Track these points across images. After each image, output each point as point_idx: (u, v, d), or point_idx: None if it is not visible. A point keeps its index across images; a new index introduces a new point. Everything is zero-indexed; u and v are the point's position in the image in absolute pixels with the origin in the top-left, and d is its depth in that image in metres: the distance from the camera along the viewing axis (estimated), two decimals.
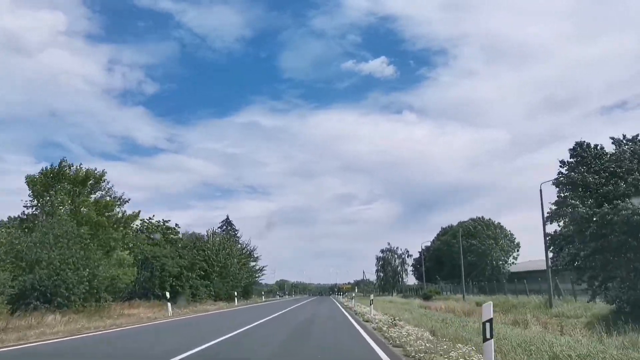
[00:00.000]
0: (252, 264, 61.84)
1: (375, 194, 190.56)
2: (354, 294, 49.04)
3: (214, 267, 43.02)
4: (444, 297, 58.33)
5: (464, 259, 68.02)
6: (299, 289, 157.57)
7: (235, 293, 41.87)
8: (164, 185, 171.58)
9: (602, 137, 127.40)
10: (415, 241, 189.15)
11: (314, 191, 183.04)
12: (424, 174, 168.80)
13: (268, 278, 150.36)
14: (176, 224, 42.60)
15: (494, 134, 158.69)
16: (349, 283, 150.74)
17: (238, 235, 74.40)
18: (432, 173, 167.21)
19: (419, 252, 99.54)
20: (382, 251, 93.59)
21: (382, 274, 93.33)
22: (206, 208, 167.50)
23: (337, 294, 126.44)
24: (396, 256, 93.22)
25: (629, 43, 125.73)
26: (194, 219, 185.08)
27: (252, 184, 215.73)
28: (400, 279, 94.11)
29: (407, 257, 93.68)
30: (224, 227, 78.55)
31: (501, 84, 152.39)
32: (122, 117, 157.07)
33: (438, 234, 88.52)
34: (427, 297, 61.93)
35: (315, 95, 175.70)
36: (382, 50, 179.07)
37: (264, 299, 52.06)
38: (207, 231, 51.95)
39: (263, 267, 65.25)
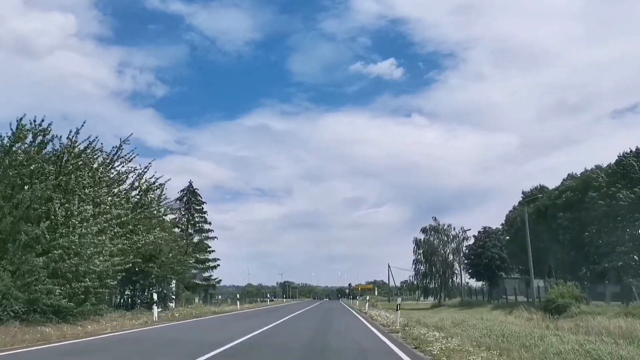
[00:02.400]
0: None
1: (384, 198, 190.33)
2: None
3: None
4: (615, 311, 25.27)
5: (583, 234, 34.10)
6: (305, 291, 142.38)
7: None
8: (174, 187, 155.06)
9: (614, 141, 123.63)
10: None
11: (323, 195, 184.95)
12: (433, 177, 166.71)
13: (270, 280, 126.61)
14: None
15: (504, 138, 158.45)
16: (366, 283, 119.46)
17: (204, 210, 53.32)
18: (442, 176, 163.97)
19: (477, 233, 66.13)
20: (424, 231, 60.20)
21: (424, 268, 59.85)
22: (216, 211, 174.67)
23: (350, 298, 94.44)
24: (447, 238, 59.77)
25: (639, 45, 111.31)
26: None
27: (262, 187, 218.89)
28: (456, 276, 60.61)
29: (464, 239, 60.26)
30: (186, 197, 53.45)
31: (511, 87, 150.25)
32: (132, 119, 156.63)
33: (515, 207, 54.81)
34: (556, 310, 28.74)
35: (324, 98, 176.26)
36: (391, 53, 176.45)
37: (156, 314, 18.80)
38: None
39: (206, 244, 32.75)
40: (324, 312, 33.32)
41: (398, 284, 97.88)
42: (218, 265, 56.24)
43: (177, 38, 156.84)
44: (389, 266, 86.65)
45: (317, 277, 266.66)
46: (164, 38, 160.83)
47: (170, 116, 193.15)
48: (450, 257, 59.60)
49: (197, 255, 55.09)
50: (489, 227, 68.72)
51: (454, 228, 60.02)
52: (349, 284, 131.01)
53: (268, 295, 59.00)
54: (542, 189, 50.71)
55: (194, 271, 32.20)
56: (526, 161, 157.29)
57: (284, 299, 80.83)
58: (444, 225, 59.85)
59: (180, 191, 57.93)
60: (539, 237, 46.13)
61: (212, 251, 56.43)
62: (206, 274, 57.30)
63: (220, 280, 61.95)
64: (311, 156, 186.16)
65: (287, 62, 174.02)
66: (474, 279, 69.32)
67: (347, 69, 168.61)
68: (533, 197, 49.76)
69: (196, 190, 58.91)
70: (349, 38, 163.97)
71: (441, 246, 59.37)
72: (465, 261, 61.66)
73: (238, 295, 36.28)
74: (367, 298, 37.18)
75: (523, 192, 53.58)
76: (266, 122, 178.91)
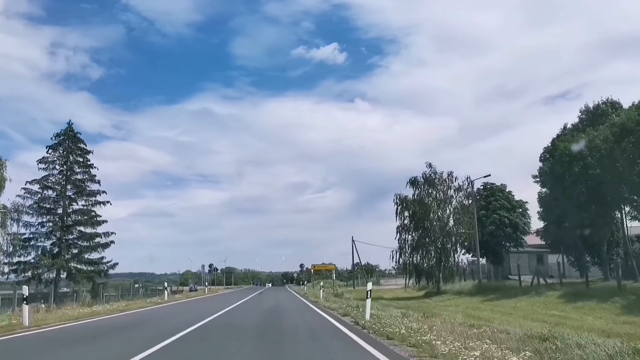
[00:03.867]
0: None
1: (329, 182, 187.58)
2: None
3: None
4: None
5: None
6: (248, 277, 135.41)
7: None
8: (111, 174, 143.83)
9: (546, 126, 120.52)
10: (369, 229, 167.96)
11: (267, 180, 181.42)
12: (377, 161, 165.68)
13: (216, 265, 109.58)
14: None
15: (444, 122, 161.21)
16: (313, 266, 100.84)
17: (89, 162, 38.71)
18: (385, 160, 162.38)
19: (477, 190, 47.45)
20: (413, 183, 40.25)
21: (412, 236, 40.25)
22: (157, 197, 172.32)
23: (302, 284, 77.75)
24: (443, 195, 40.41)
25: (575, 33, 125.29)
26: (144, 208, 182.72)
27: (204, 172, 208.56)
28: (457, 250, 41.18)
29: (469, 195, 41.16)
30: (62, 145, 38.43)
31: (452, 73, 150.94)
32: (66, 103, 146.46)
33: (564, 132, 35.64)
34: None
35: (268, 83, 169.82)
36: (334, 38, 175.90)
37: None
38: None
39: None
40: (260, 328, 12.60)
41: (348, 268, 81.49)
42: (112, 242, 38.46)
43: (113, 18, 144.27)
44: (352, 240, 66.97)
45: (261, 263, 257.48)
46: (98, 18, 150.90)
47: (107, 100, 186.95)
48: (451, 221, 40.33)
49: (82, 229, 38.03)
50: (492, 183, 50.59)
51: (456, 178, 40.75)
52: (301, 265, 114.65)
53: (165, 285, 37.61)
54: (613, 104, 32.70)
55: None
56: (466, 145, 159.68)
57: (207, 288, 58.89)
58: (442, 173, 40.36)
59: (55, 135, 38.96)
60: (614, 173, 28.05)
61: (104, 222, 38.60)
62: (94, 255, 38.16)
63: (116, 264, 40.02)
64: (255, 141, 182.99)
65: (230, 46, 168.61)
66: (470, 254, 51.16)
67: (290, 53, 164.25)
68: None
69: (78, 135, 39.63)
70: (293, 22, 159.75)
71: (437, 206, 39.99)
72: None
73: (24, 292, 13.89)
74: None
75: (581, 111, 35.04)
76: (208, 106, 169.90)
